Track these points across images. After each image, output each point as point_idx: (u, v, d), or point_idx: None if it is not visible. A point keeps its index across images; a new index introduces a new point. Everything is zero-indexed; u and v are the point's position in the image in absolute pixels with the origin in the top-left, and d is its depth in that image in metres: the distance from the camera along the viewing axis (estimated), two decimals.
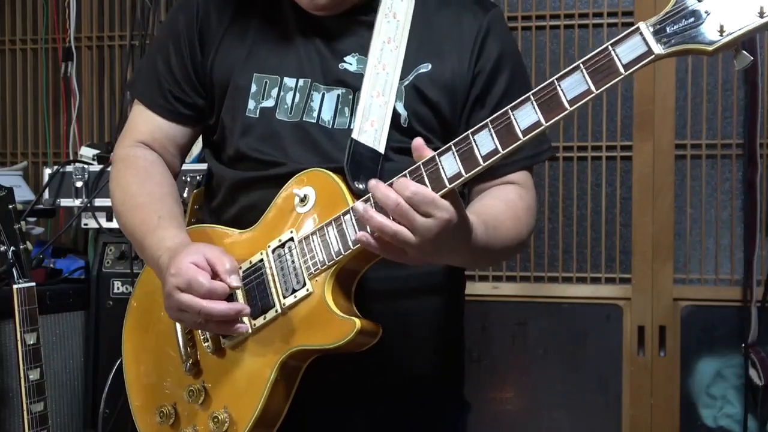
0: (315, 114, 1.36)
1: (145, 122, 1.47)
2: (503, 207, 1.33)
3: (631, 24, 2.79)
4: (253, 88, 1.38)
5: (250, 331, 1.29)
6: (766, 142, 2.71)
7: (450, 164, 1.13)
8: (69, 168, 2.64)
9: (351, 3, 1.37)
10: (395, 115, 1.34)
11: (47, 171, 2.69)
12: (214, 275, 1.25)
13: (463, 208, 1.16)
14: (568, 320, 2.85)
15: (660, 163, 2.78)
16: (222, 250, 1.29)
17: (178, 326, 1.38)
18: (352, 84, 1.35)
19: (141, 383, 1.45)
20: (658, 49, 1.04)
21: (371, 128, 1.31)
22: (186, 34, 1.43)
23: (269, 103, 1.38)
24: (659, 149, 2.78)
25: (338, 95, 1.35)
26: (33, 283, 1.97)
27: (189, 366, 1.36)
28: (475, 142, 1.12)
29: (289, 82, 1.37)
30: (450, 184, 1.12)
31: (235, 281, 1.25)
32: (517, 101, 1.10)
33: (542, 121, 1.08)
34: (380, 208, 1.13)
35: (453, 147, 1.13)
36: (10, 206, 1.97)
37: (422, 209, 1.10)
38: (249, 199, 1.37)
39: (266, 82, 1.38)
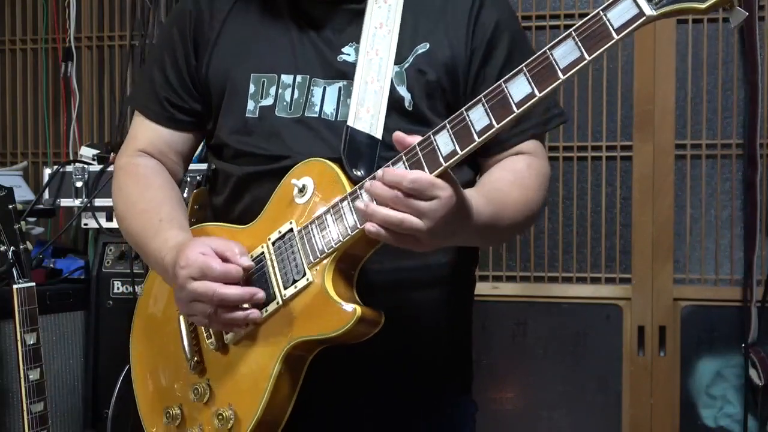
0: (317, 108, 1.35)
1: (144, 131, 1.49)
2: (510, 178, 1.32)
3: None
4: (252, 88, 1.38)
5: (261, 317, 1.27)
6: (766, 142, 2.71)
7: (445, 143, 1.11)
8: (69, 168, 2.64)
9: None
10: (398, 99, 1.33)
11: (47, 171, 2.69)
12: (225, 261, 1.25)
13: (459, 186, 1.15)
14: (568, 320, 2.85)
15: (660, 163, 2.78)
16: (225, 238, 1.30)
17: (183, 325, 1.37)
18: (353, 75, 1.34)
19: (148, 386, 1.45)
20: (649, 10, 1.01)
21: (367, 114, 1.30)
22: (180, 42, 1.45)
23: (268, 101, 1.37)
24: (659, 149, 2.78)
25: (340, 88, 1.35)
26: (33, 283, 1.97)
27: (193, 364, 1.36)
28: (469, 118, 1.10)
29: (287, 78, 1.37)
30: (446, 163, 1.11)
31: (246, 262, 1.25)
32: (510, 74, 1.09)
33: (536, 92, 1.06)
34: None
35: (447, 125, 1.12)
36: (10, 206, 1.97)
37: (426, 194, 1.09)
38: (257, 193, 1.37)
39: (264, 81, 1.38)
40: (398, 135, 1.15)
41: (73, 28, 3.21)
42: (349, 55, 1.35)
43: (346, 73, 1.35)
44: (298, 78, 1.36)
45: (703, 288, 2.78)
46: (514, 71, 1.08)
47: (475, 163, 1.41)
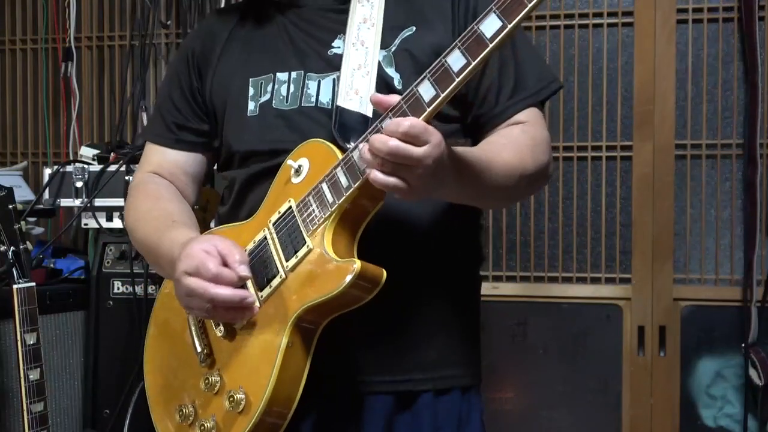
0: (313, 99, 1.39)
1: (153, 155, 1.56)
2: (503, 141, 1.34)
3: (631, 24, 2.80)
4: (251, 91, 1.43)
5: (255, 314, 1.29)
6: (766, 142, 2.71)
7: (427, 90, 1.14)
8: (69, 168, 2.64)
9: None
10: (388, 80, 1.36)
11: (47, 171, 2.68)
12: (225, 265, 1.26)
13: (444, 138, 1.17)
14: (568, 320, 2.85)
15: (660, 163, 2.78)
16: (233, 242, 1.31)
17: (191, 320, 1.39)
18: None
19: (160, 389, 1.45)
20: None
21: (356, 96, 1.34)
22: (185, 71, 1.52)
23: (266, 97, 1.42)
24: (659, 149, 2.78)
25: (333, 79, 1.38)
26: (33, 283, 1.97)
27: (203, 357, 1.36)
28: (447, 63, 1.13)
29: (282, 76, 1.41)
30: (429, 107, 1.13)
31: (243, 271, 1.26)
32: (480, 16, 1.12)
33: (506, 23, 1.09)
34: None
35: (428, 74, 1.15)
36: (10, 206, 1.97)
37: (420, 139, 1.11)
38: (259, 192, 1.39)
39: (261, 82, 1.43)
40: (375, 96, 1.18)
41: (73, 28, 3.21)
42: (339, 48, 1.39)
43: (338, 65, 1.38)
44: (293, 74, 1.41)
45: (703, 288, 2.78)
46: (483, 12, 1.12)
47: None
